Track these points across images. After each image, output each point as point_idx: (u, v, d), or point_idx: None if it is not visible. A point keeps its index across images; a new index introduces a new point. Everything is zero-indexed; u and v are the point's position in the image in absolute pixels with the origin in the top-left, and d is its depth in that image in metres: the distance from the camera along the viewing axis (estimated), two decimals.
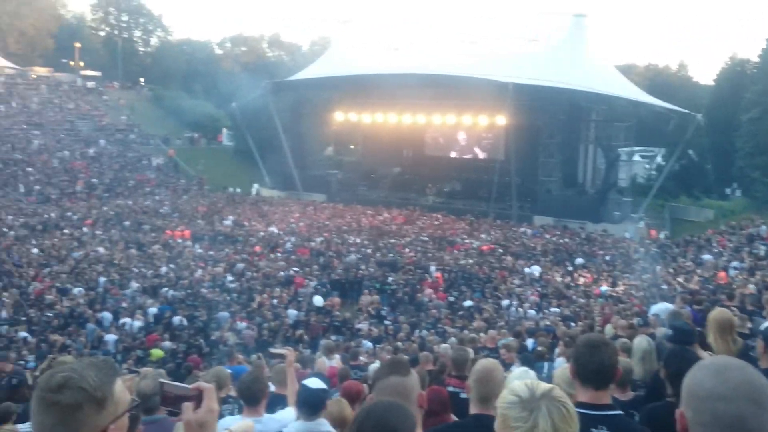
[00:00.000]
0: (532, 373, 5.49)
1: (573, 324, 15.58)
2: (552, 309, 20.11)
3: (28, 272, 22.95)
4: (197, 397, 1.97)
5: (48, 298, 20.26)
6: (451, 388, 6.36)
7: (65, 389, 1.67)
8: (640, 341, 5.76)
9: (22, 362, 13.93)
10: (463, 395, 6.36)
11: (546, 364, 8.91)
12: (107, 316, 19.22)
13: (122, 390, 1.81)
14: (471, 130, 40.29)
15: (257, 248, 28.25)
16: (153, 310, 19.91)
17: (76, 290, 21.08)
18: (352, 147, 49.24)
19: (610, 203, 35.34)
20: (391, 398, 2.50)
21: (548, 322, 17.01)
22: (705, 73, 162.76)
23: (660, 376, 4.19)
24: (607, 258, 27.29)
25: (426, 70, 36.24)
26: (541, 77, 33.36)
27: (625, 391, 4.89)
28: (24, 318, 18.63)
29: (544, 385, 2.04)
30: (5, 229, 29.38)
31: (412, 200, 40.04)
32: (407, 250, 28.27)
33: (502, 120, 35.43)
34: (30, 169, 41.85)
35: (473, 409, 3.43)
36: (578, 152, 38.37)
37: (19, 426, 4.95)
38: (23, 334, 17.15)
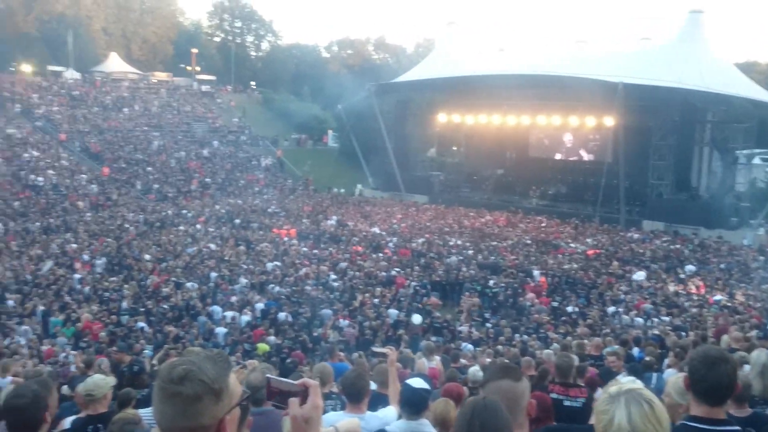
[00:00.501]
0: (639, 383, 5.31)
1: (684, 334, 14.88)
2: (662, 317, 19.28)
3: (146, 266, 24.29)
4: (303, 393, 2.02)
5: (164, 291, 21.36)
6: (554, 395, 6.25)
7: (186, 381, 1.74)
8: (759, 355, 5.43)
9: (144, 351, 14.76)
10: (566, 403, 6.24)
11: (654, 375, 8.56)
12: (217, 309, 20.02)
13: (235, 382, 1.88)
14: (577, 132, 39.19)
15: (359, 248, 28.66)
16: (260, 305, 20.45)
17: (189, 284, 22.11)
18: (454, 148, 49.01)
19: (726, 208, 33.42)
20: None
21: (656, 331, 16.32)
22: None
23: None
24: (722, 266, 25.86)
25: (531, 70, 35.61)
26: (653, 77, 32.04)
27: (743, 407, 4.63)
28: (142, 309, 19.69)
29: (634, 385, 2.05)
30: (127, 225, 31.25)
31: (515, 202, 39.39)
32: (509, 253, 27.89)
33: (610, 121, 34.28)
34: (150, 168, 44.09)
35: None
36: (692, 155, 36.53)
37: (140, 410, 5.27)
38: (141, 324, 18.04)
